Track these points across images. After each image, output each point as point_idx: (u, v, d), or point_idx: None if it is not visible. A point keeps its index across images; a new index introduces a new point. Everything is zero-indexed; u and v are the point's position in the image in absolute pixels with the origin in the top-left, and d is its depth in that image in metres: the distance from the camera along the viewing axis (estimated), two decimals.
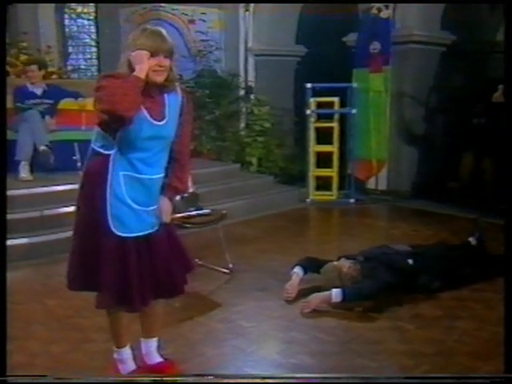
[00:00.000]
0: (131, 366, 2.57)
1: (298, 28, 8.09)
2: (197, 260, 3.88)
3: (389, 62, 6.58)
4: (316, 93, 6.81)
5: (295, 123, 7.85)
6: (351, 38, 7.09)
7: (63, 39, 8.35)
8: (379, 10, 6.62)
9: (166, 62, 2.29)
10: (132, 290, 2.33)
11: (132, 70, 2.24)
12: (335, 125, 6.82)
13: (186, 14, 7.51)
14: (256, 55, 8.02)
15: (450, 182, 6.68)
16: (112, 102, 2.15)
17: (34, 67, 5.68)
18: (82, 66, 8.49)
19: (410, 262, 3.73)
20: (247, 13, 7.86)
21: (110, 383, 2.57)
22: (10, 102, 5.16)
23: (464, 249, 4.16)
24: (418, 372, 2.69)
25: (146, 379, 2.55)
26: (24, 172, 5.24)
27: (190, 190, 3.85)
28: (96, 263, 2.30)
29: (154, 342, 2.65)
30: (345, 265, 3.61)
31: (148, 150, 2.33)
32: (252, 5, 7.83)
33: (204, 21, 7.59)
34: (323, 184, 6.94)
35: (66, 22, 8.46)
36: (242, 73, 7.98)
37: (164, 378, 2.55)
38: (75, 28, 8.54)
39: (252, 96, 7.86)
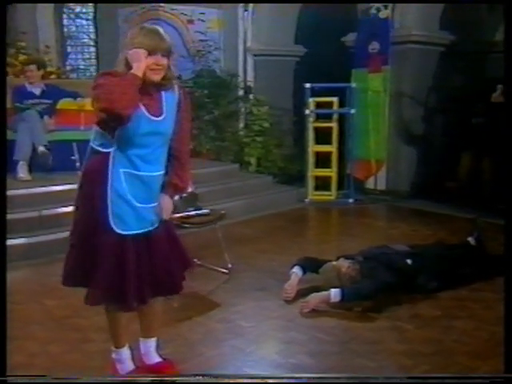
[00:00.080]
0: (130, 366, 2.57)
1: (297, 28, 8.09)
2: (196, 260, 3.87)
3: (388, 62, 6.59)
4: (315, 93, 6.82)
5: (294, 123, 7.85)
6: (350, 38, 7.10)
7: (62, 39, 8.34)
8: (378, 10, 6.62)
9: (164, 61, 2.29)
10: (127, 289, 2.32)
11: (129, 68, 2.24)
12: (334, 125, 6.82)
13: (185, 14, 7.51)
14: (255, 55, 8.02)
15: (448, 181, 6.69)
16: (110, 100, 2.15)
17: (32, 67, 5.68)
18: (81, 66, 8.48)
19: (409, 261, 3.73)
20: (246, 13, 7.87)
21: (110, 383, 2.57)
22: (8, 102, 5.16)
23: (463, 249, 4.16)
24: (417, 372, 2.69)
25: (145, 379, 2.55)
26: (22, 172, 5.24)
27: (189, 190, 3.84)
28: (94, 260, 2.30)
29: (152, 342, 2.64)
30: (344, 265, 3.61)
31: (147, 146, 2.33)
32: (251, 5, 7.83)
33: (203, 21, 7.60)
34: (322, 184, 6.94)
35: (65, 21, 8.45)
36: (240, 73, 7.98)
37: (163, 378, 2.55)
38: (74, 28, 8.54)
39: (251, 96, 7.86)
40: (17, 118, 5.38)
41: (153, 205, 2.40)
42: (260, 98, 7.67)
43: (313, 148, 6.91)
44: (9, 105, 5.21)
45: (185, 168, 2.52)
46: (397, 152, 6.88)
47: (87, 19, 8.52)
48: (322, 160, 6.91)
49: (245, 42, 7.97)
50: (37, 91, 5.68)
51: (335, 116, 6.84)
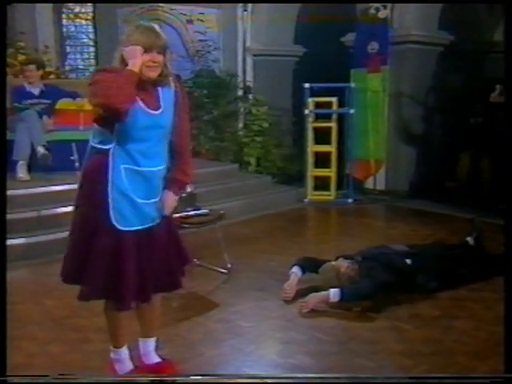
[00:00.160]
0: (128, 366, 2.57)
1: (296, 28, 8.09)
2: (195, 260, 3.87)
3: (387, 62, 6.59)
4: (314, 93, 6.82)
5: (293, 123, 7.85)
6: (349, 38, 7.09)
7: (61, 39, 8.33)
8: (377, 10, 6.62)
9: (160, 58, 2.30)
10: (124, 286, 2.31)
11: (125, 65, 2.25)
12: (333, 125, 6.82)
13: (184, 14, 7.51)
14: (254, 55, 8.02)
15: (447, 181, 6.69)
16: (107, 96, 2.15)
17: (32, 67, 5.68)
18: (80, 66, 8.46)
19: (408, 261, 3.73)
20: (245, 13, 7.86)
21: (109, 383, 2.57)
22: (7, 102, 5.15)
23: (462, 248, 4.16)
24: (416, 372, 2.69)
25: (144, 379, 2.55)
26: (22, 172, 5.23)
27: (188, 190, 3.85)
28: (92, 258, 2.29)
29: (152, 342, 2.64)
30: (343, 265, 3.61)
31: (146, 140, 2.33)
32: (250, 5, 7.83)
33: (202, 21, 7.59)
34: (321, 184, 6.94)
35: (64, 21, 8.44)
36: (240, 73, 7.97)
37: (162, 379, 2.55)
38: (73, 28, 8.52)
39: (250, 96, 7.86)
40: (16, 118, 5.37)
41: (154, 200, 2.40)
42: (259, 98, 7.66)
43: (312, 148, 6.91)
44: (8, 105, 5.20)
45: (187, 162, 2.52)
46: (396, 152, 6.88)
47: (86, 19, 8.51)
48: (322, 160, 6.91)
49: (244, 42, 7.97)
50: (36, 91, 5.67)
51: (334, 116, 6.84)
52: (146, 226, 2.38)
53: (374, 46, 6.65)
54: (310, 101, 6.81)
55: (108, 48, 7.36)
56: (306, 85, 6.77)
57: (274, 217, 6.05)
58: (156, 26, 2.34)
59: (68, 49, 8.51)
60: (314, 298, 3.44)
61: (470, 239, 4.22)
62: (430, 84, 6.94)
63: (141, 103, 2.29)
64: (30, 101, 5.59)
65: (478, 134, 6.23)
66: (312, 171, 6.91)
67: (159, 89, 2.37)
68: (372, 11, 6.65)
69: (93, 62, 8.49)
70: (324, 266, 3.68)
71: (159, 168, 2.40)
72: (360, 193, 6.96)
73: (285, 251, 4.65)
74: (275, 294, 3.69)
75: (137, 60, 2.23)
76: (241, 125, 7.83)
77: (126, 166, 2.31)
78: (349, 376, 2.65)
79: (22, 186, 5.01)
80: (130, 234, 2.33)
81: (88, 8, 8.45)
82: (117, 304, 2.39)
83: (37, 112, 5.52)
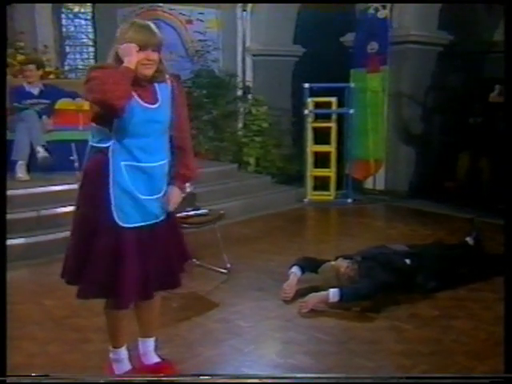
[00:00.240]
0: (127, 366, 2.56)
1: (296, 28, 8.09)
2: (194, 260, 3.88)
3: (386, 61, 6.59)
4: (314, 93, 6.82)
5: (293, 123, 7.85)
6: (349, 38, 7.10)
7: (60, 39, 8.32)
8: (376, 9, 6.63)
9: (155, 56, 2.30)
10: (124, 284, 2.30)
11: (120, 62, 2.25)
12: (333, 125, 6.82)
13: (184, 14, 7.51)
14: (254, 55, 8.02)
15: (447, 181, 6.69)
16: (103, 91, 2.15)
17: (32, 67, 5.67)
18: (80, 66, 8.45)
19: (408, 261, 3.73)
20: (245, 13, 7.86)
21: (109, 383, 2.57)
22: (6, 102, 5.15)
23: (461, 248, 4.17)
24: (415, 372, 2.69)
25: (143, 379, 2.54)
26: (21, 172, 5.23)
27: (188, 190, 3.85)
28: (95, 255, 2.29)
29: (151, 342, 2.64)
30: (342, 265, 3.61)
31: (145, 135, 2.32)
32: (249, 5, 7.83)
33: (202, 21, 7.59)
34: (321, 184, 6.94)
35: (64, 21, 8.44)
36: (239, 73, 7.97)
37: (162, 379, 2.55)
38: (72, 28, 8.52)
39: (250, 96, 7.86)
40: (15, 118, 5.37)
41: (157, 196, 2.40)
42: (259, 98, 7.66)
43: (311, 148, 6.91)
44: (7, 105, 5.20)
45: (189, 156, 2.52)
46: (395, 152, 6.88)
47: (86, 19, 8.50)
48: (321, 160, 6.92)
49: (243, 42, 7.96)
50: (35, 91, 5.67)
51: (334, 116, 6.84)
52: (149, 222, 2.37)
53: (373, 46, 6.66)
54: (310, 101, 6.81)
55: (108, 48, 7.27)
56: (306, 85, 6.77)
57: (274, 217, 6.05)
58: (151, 24, 2.34)
59: (67, 49, 8.50)
60: (313, 298, 3.45)
61: (469, 239, 4.22)
62: (429, 84, 6.94)
63: (137, 98, 2.28)
64: (29, 101, 5.58)
65: (478, 134, 6.23)
66: (311, 171, 6.91)
67: (155, 84, 2.37)
68: (371, 11, 6.66)
69: (92, 61, 8.48)
70: (323, 266, 3.68)
71: (160, 163, 2.39)
72: (359, 193, 6.96)
73: (284, 251, 4.65)
74: (275, 294, 3.69)
75: (132, 58, 2.23)
76: (240, 125, 7.83)
77: (127, 162, 2.30)
78: (348, 376, 2.65)
79: (22, 185, 5.00)
80: (132, 231, 2.32)
81: (87, 8, 8.44)
82: (116, 302, 2.38)
83: (36, 112, 5.51)
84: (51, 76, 6.54)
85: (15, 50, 6.60)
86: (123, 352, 2.55)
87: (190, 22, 7.56)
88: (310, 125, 6.87)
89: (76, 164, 5.22)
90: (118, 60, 2.26)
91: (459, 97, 6.74)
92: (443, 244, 4.39)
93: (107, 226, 2.29)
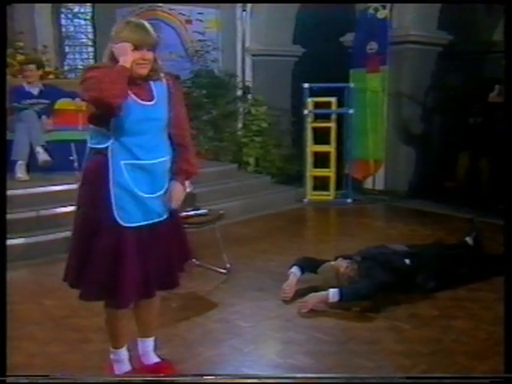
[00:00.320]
0: (127, 366, 2.56)
1: (296, 28, 8.09)
2: (194, 260, 3.87)
3: (386, 62, 6.59)
4: (313, 93, 6.82)
5: (293, 123, 7.85)
6: (348, 38, 7.10)
7: (60, 39, 8.33)
8: (376, 10, 6.63)
9: (150, 55, 2.30)
10: (124, 283, 2.30)
11: (115, 62, 2.24)
12: (332, 125, 6.82)
13: (184, 14, 7.51)
14: (253, 55, 8.02)
15: (446, 181, 6.69)
16: (100, 90, 2.14)
17: (31, 67, 5.68)
18: (79, 66, 8.45)
19: (407, 261, 3.73)
20: (244, 13, 7.86)
21: (109, 383, 2.57)
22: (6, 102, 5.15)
23: (461, 248, 4.16)
24: (415, 372, 2.69)
25: (143, 380, 2.55)
26: (20, 172, 5.24)
27: (188, 190, 3.84)
28: (95, 256, 2.28)
29: (151, 342, 2.64)
30: (342, 265, 3.61)
31: (143, 133, 2.32)
32: (249, 5, 7.83)
33: (201, 21, 7.59)
34: (320, 184, 6.94)
35: (63, 21, 8.44)
36: (239, 73, 7.96)
37: (161, 379, 2.55)
38: (72, 28, 8.53)
39: (249, 96, 7.86)
40: (15, 118, 5.37)
41: (159, 193, 2.39)
42: (258, 98, 7.66)
43: (311, 148, 6.91)
44: (7, 105, 5.20)
45: (190, 152, 2.51)
46: (395, 152, 6.88)
47: (85, 19, 8.51)
48: (321, 160, 6.92)
49: (243, 42, 7.96)
50: (35, 91, 5.67)
51: (334, 116, 6.84)
52: (151, 221, 2.37)
53: (373, 46, 6.66)
54: (310, 101, 6.81)
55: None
56: (306, 85, 6.77)
57: (274, 217, 6.05)
58: (146, 23, 2.33)
59: (67, 49, 8.51)
60: (313, 298, 3.45)
61: (469, 239, 4.22)
62: (428, 84, 6.94)
63: (134, 96, 2.28)
64: (29, 101, 5.59)
65: (477, 134, 6.23)
66: (311, 171, 6.91)
67: (151, 82, 2.37)
68: (371, 11, 6.66)
69: (92, 62, 8.49)
70: (323, 266, 3.68)
71: (160, 160, 2.38)
72: (359, 193, 6.97)
73: (284, 251, 4.65)
74: (274, 294, 3.69)
75: (127, 57, 2.23)
76: (240, 125, 7.83)
77: (127, 161, 2.30)
78: (348, 376, 2.65)
79: (21, 185, 5.00)
80: (134, 231, 2.32)
81: (87, 8, 8.44)
82: (116, 301, 2.37)
83: (36, 112, 5.52)
84: (51, 76, 6.54)
85: (15, 50, 6.61)
86: (123, 353, 2.55)
87: (189, 22, 7.56)
88: (309, 125, 6.87)
89: (75, 164, 5.23)
90: (113, 59, 2.26)
91: (459, 97, 6.74)
92: (443, 244, 4.39)
93: (108, 226, 2.29)
